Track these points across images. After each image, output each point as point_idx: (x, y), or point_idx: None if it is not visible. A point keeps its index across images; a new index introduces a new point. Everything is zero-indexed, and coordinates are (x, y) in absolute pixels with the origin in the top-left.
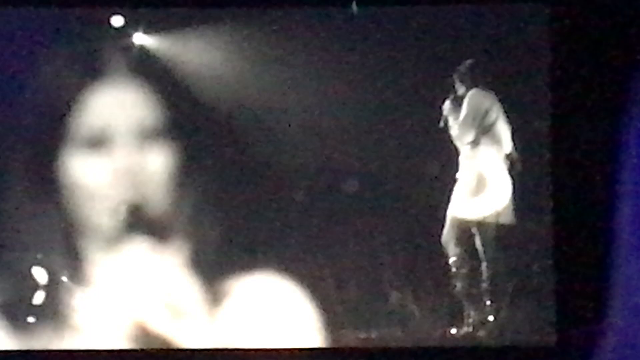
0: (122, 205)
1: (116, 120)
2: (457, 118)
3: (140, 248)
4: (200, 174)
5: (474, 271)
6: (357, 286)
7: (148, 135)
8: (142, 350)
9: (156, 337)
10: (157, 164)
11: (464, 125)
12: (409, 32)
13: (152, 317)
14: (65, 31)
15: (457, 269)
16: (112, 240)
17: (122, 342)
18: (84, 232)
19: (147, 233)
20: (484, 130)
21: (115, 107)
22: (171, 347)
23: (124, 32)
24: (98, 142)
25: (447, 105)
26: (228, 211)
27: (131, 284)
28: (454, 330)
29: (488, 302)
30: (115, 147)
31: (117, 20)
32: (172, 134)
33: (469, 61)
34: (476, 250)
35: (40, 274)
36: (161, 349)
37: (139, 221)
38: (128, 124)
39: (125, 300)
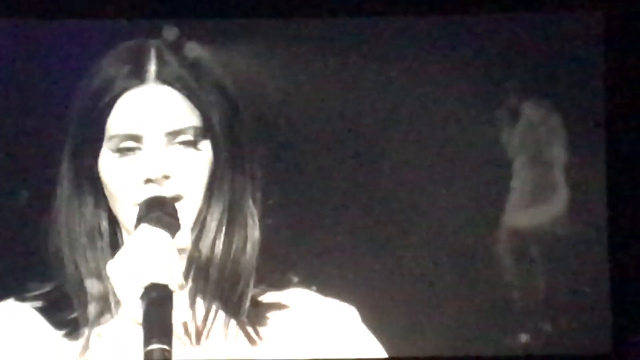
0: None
1: (152, 124)
2: (512, 128)
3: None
4: (240, 180)
5: (530, 280)
6: (412, 296)
7: (185, 142)
8: None
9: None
10: (194, 167)
11: (519, 135)
12: (462, 43)
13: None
14: (115, 42)
15: (512, 278)
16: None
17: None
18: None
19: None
20: (539, 140)
21: (153, 111)
22: None
23: (176, 43)
24: (131, 145)
25: (502, 115)
26: (269, 219)
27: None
28: (510, 340)
29: (544, 311)
30: (147, 151)
31: (170, 32)
32: (214, 139)
33: (523, 71)
34: (532, 259)
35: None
36: None
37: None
38: (164, 128)
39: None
